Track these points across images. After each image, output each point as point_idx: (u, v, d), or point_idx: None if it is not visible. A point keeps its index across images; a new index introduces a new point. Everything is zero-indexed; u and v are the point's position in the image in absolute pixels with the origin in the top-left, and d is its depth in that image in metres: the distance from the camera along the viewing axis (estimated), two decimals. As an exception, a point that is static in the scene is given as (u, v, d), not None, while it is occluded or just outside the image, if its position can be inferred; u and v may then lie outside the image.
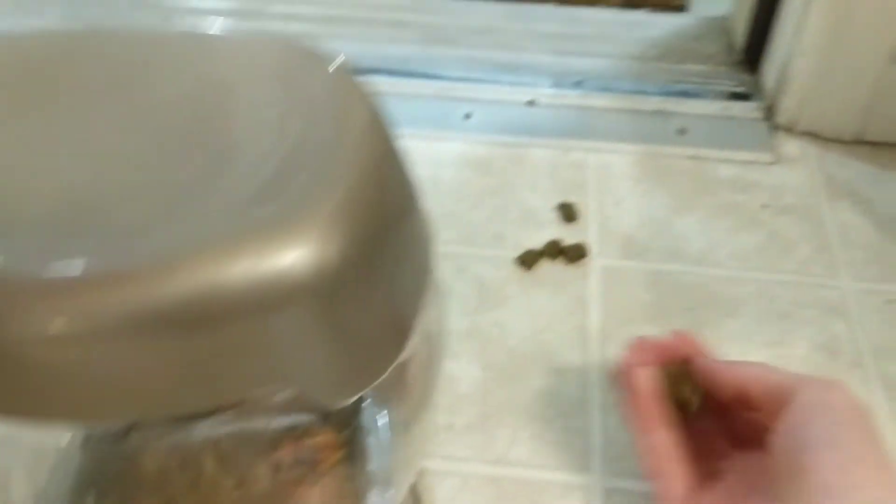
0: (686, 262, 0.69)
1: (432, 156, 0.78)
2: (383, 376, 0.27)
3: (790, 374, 0.40)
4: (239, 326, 0.22)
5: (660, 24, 0.93)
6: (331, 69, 0.34)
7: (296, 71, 0.33)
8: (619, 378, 0.46)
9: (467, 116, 0.82)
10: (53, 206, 0.26)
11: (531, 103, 0.83)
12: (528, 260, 0.68)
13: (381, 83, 0.86)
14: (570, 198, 0.74)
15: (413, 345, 0.31)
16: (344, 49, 0.94)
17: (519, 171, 0.77)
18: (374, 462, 0.36)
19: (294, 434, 0.33)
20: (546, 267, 0.68)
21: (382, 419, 0.40)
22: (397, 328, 0.28)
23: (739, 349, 0.62)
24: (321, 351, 0.24)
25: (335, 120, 0.31)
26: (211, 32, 0.36)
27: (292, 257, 0.23)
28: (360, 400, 0.37)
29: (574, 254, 0.68)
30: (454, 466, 0.55)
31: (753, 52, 0.85)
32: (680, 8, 0.96)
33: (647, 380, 0.44)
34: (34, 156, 0.29)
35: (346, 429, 0.38)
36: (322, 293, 0.23)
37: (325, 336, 0.24)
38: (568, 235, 0.71)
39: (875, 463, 0.35)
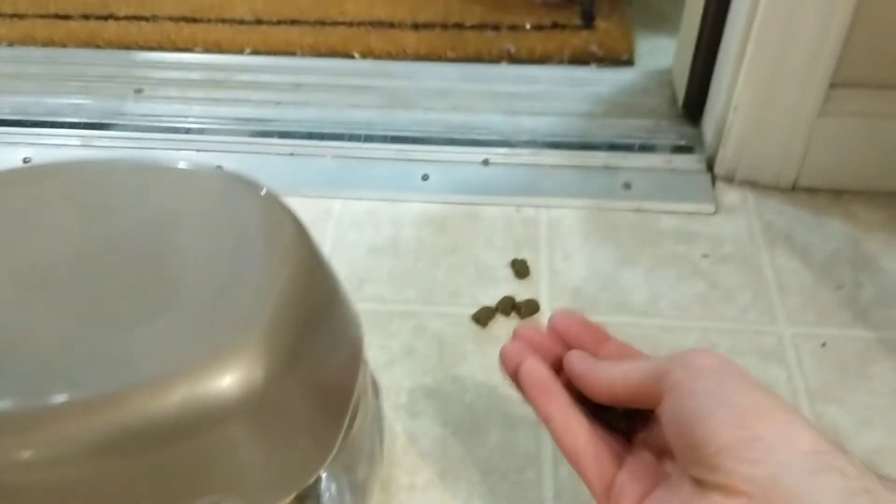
0: (631, 313, 0.73)
1: (393, 217, 0.82)
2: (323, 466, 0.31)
3: (652, 362, 0.38)
4: (179, 447, 0.26)
5: (606, 80, 0.98)
6: (262, 194, 0.38)
7: (230, 199, 0.37)
8: (504, 368, 0.44)
9: (425, 178, 0.86)
10: (17, 343, 0.29)
11: (486, 162, 0.87)
12: (484, 317, 0.72)
13: (344, 148, 0.91)
14: (523, 253, 0.78)
15: (353, 431, 0.34)
16: (307, 115, 0.98)
17: (475, 229, 0.81)
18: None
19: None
20: (501, 322, 0.72)
21: (336, 487, 0.43)
22: (328, 426, 0.32)
23: (682, 396, 0.66)
24: (257, 460, 0.28)
25: (264, 245, 0.35)
26: (155, 163, 0.40)
27: (222, 384, 0.27)
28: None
29: (527, 309, 0.72)
30: (414, 522, 0.58)
31: (694, 105, 0.90)
32: (627, 62, 1.01)
33: (532, 371, 0.42)
34: None
35: (305, 501, 0.42)
36: (251, 411, 0.27)
37: (259, 447, 0.28)
38: (521, 290, 0.75)
39: (768, 407, 0.33)
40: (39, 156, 0.87)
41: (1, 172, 0.38)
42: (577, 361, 0.42)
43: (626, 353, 0.45)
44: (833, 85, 0.79)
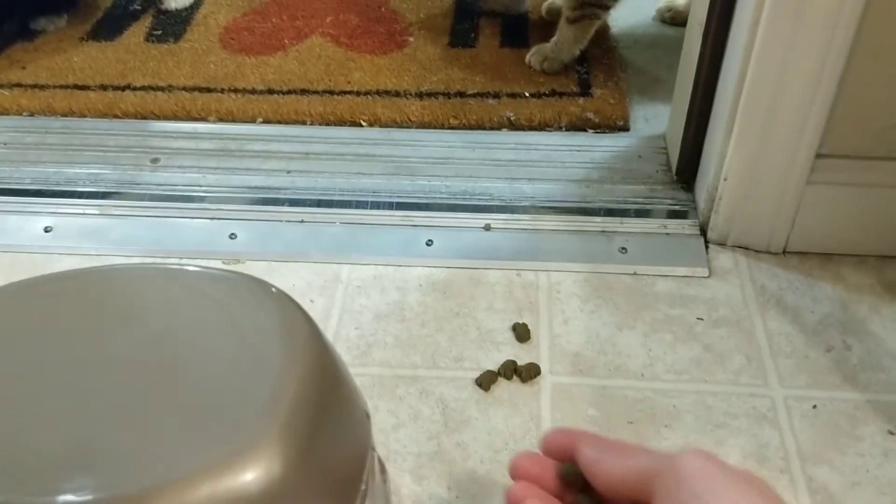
0: (628, 377, 0.76)
1: (399, 282, 0.86)
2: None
3: (647, 462, 0.40)
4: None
5: (603, 146, 1.02)
6: (273, 292, 0.41)
7: (244, 300, 0.41)
8: None
9: (429, 243, 0.89)
10: (49, 443, 0.33)
11: (487, 228, 0.91)
12: (487, 381, 0.75)
13: (352, 215, 0.94)
14: (524, 317, 0.81)
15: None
16: (317, 184, 1.02)
17: (477, 293, 0.84)
18: None
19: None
20: (503, 386, 0.75)
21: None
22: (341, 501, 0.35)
23: (678, 459, 0.69)
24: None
25: (279, 344, 0.38)
26: (174, 267, 0.43)
27: (244, 481, 0.30)
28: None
29: (528, 373, 0.75)
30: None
31: (687, 172, 0.94)
32: (622, 128, 1.06)
33: None
34: (28, 398, 0.36)
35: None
36: (270, 501, 0.30)
37: None
38: (523, 354, 0.78)
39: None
40: (60, 225, 0.91)
41: (22, 281, 0.41)
42: (588, 452, 0.44)
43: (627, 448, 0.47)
44: (819, 155, 0.82)
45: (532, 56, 1.14)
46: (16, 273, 0.86)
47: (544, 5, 1.27)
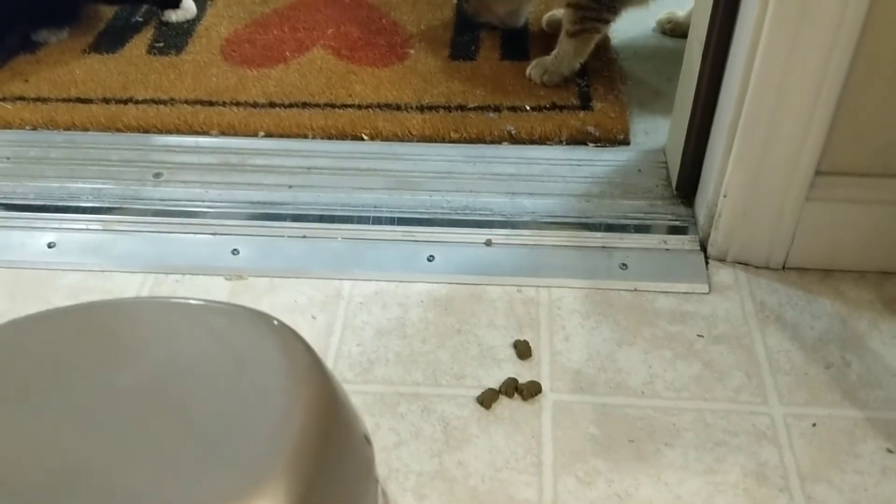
0: (629, 394, 0.76)
1: (400, 298, 0.86)
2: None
3: None
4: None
5: (603, 160, 1.02)
6: (275, 324, 0.42)
7: (246, 334, 0.41)
8: None
9: (431, 259, 0.90)
10: (51, 468, 0.33)
11: (488, 243, 0.91)
12: (488, 399, 0.75)
13: (353, 230, 0.95)
14: (525, 334, 0.82)
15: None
16: (319, 199, 1.02)
17: (478, 310, 0.85)
18: None
19: None
20: (504, 404, 0.76)
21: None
22: None
23: (677, 477, 0.69)
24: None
25: (282, 378, 0.38)
26: (177, 300, 0.44)
27: None
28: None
29: (529, 391, 0.76)
30: None
31: (687, 187, 0.95)
32: (623, 142, 1.06)
33: None
34: (33, 425, 0.37)
35: None
36: None
37: None
38: (524, 372, 0.78)
39: None
40: (63, 240, 0.92)
41: (33, 315, 0.42)
42: None
43: None
44: (819, 172, 0.83)
45: (532, 69, 1.15)
46: (20, 289, 0.87)
47: (545, 17, 1.27)
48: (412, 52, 1.21)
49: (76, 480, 0.34)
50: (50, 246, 0.91)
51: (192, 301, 0.43)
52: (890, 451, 0.72)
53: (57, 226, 0.93)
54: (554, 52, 1.14)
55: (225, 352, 0.40)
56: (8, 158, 1.03)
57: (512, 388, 0.76)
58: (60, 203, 0.96)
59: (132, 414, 0.38)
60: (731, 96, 0.81)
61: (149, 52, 1.22)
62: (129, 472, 0.34)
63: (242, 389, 0.38)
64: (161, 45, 1.23)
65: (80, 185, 0.98)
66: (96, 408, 0.38)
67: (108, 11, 1.30)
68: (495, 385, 0.77)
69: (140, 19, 1.29)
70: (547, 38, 1.21)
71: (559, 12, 1.22)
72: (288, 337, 0.42)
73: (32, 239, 0.92)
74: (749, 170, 0.83)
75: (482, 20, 1.26)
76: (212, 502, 0.32)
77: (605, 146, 1.05)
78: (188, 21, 1.28)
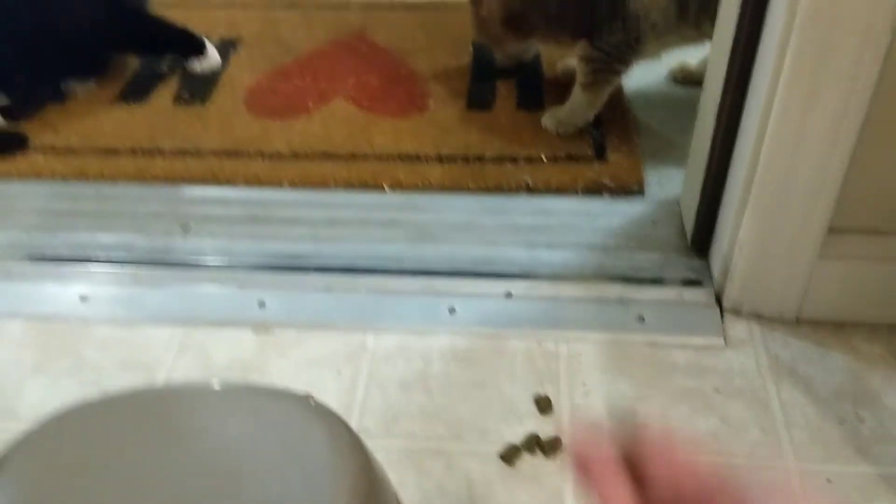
0: (648, 451, 0.78)
1: (422, 351, 0.88)
2: None
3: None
4: None
5: (619, 211, 1.05)
6: (312, 403, 0.44)
7: (292, 420, 0.44)
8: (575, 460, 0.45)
9: (452, 311, 0.92)
10: None
11: (508, 295, 0.94)
12: (510, 456, 0.77)
13: (375, 282, 0.97)
14: (545, 386, 0.84)
15: None
16: (342, 251, 1.04)
17: (499, 363, 0.87)
18: None
19: None
20: (527, 461, 0.78)
21: None
22: None
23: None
24: None
25: (328, 461, 0.41)
26: (223, 386, 0.46)
27: None
28: None
29: (551, 448, 0.78)
30: None
31: (703, 239, 0.97)
32: (638, 192, 1.08)
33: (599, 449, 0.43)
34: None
35: None
36: None
37: None
38: (545, 427, 0.80)
39: None
40: (94, 293, 0.94)
41: (86, 401, 0.44)
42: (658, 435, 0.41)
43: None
44: (832, 230, 0.85)
45: (547, 119, 1.18)
46: (53, 341, 0.89)
47: (559, 65, 1.30)
48: (430, 102, 1.24)
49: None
50: (82, 299, 0.93)
51: (236, 384, 0.45)
52: (904, 508, 0.74)
53: (88, 278, 0.96)
54: (568, 102, 1.17)
55: (272, 436, 0.43)
56: (39, 210, 1.06)
57: (534, 443, 0.78)
58: (91, 255, 0.99)
59: (188, 496, 0.40)
60: (746, 154, 0.84)
61: (175, 102, 1.25)
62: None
63: (290, 472, 0.40)
64: (186, 95, 1.26)
65: (111, 238, 1.01)
66: (154, 491, 0.40)
67: (135, 61, 1.34)
68: (517, 440, 0.79)
69: (165, 70, 1.33)
70: (561, 86, 1.24)
71: (573, 61, 1.25)
72: (330, 419, 0.45)
73: (65, 291, 0.95)
74: (763, 226, 0.86)
75: (497, 63, 1.29)
76: None
77: (620, 197, 1.08)
78: (212, 71, 1.32)
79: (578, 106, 1.16)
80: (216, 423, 0.43)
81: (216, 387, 0.47)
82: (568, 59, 1.29)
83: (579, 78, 1.15)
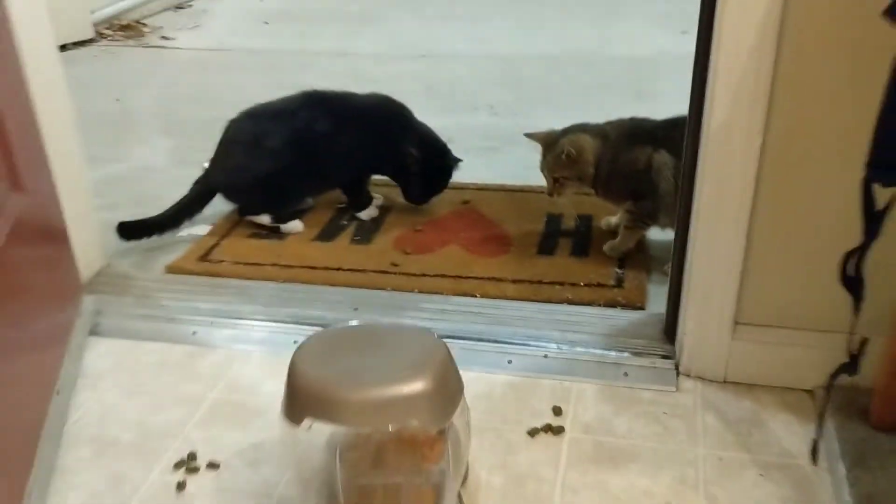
0: (616, 436, 1.33)
1: (490, 381, 1.48)
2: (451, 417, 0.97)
3: None
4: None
5: (625, 318, 1.64)
6: (436, 337, 1.07)
7: (420, 332, 1.07)
8: None
9: (510, 362, 1.52)
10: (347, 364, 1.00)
11: (546, 357, 1.53)
12: (533, 433, 1.35)
13: (466, 344, 1.61)
14: (560, 403, 1.41)
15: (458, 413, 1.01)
16: (449, 327, 1.71)
17: (535, 391, 1.45)
18: (450, 464, 1.03)
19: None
20: (542, 437, 1.34)
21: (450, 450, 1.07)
22: (456, 396, 0.99)
23: (626, 480, 1.25)
24: (432, 408, 0.94)
25: (433, 347, 1.04)
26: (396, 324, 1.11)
27: (416, 388, 0.95)
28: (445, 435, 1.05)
29: (556, 432, 1.34)
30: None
31: (671, 331, 1.54)
32: (640, 307, 1.67)
33: None
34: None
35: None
36: (430, 395, 0.95)
37: (435, 412, 0.95)
38: (556, 422, 1.37)
39: None
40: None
41: (339, 327, 1.09)
42: None
43: None
44: (737, 323, 1.42)
45: (606, 247, 1.85)
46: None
47: (603, 222, 1.97)
48: (512, 248, 1.90)
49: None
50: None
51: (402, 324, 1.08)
52: (761, 475, 1.25)
53: (297, 335, 1.62)
54: (618, 238, 1.84)
55: (414, 335, 1.05)
56: (271, 297, 1.76)
57: (548, 429, 1.35)
58: (302, 320, 1.66)
59: (381, 355, 1.03)
60: (686, 277, 1.44)
61: (351, 242, 1.97)
62: (378, 364, 0.99)
63: (414, 341, 1.03)
64: (358, 238, 1.99)
65: (313, 312, 1.69)
66: (365, 355, 1.03)
67: (326, 215, 2.09)
68: (539, 426, 1.36)
69: (345, 222, 2.06)
70: (602, 239, 1.88)
71: (613, 219, 1.91)
72: (434, 337, 1.07)
73: (287, 339, 1.61)
74: (697, 321, 1.43)
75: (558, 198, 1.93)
76: (404, 374, 0.95)
77: (628, 309, 1.67)
78: (374, 220, 2.04)
79: (622, 241, 1.82)
80: (393, 333, 1.07)
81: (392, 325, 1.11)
82: (610, 218, 1.95)
83: (623, 222, 1.82)
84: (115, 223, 1.94)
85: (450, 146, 2.13)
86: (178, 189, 2.06)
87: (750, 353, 1.43)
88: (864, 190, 0.98)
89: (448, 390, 1.01)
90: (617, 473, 1.27)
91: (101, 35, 3.93)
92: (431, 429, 0.99)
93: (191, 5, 4.62)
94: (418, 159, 2.00)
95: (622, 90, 2.93)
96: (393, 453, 1.11)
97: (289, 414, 1.02)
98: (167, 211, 1.98)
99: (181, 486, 1.27)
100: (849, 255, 1.04)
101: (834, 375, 1.14)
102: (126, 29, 4.05)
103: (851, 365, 1.12)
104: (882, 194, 0.99)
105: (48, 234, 1.55)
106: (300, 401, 1.01)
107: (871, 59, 0.95)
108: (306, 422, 1.00)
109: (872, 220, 0.99)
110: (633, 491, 1.23)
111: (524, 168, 2.09)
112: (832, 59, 1.20)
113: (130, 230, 1.94)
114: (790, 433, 1.34)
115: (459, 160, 2.10)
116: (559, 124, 1.90)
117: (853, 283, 1.04)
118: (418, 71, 3.37)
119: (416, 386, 0.97)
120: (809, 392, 1.42)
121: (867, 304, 1.07)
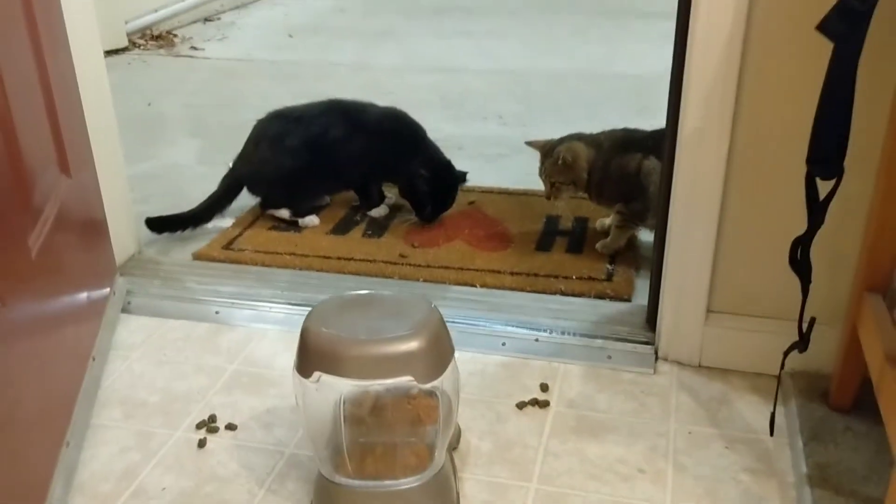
0: (597, 411, 1.47)
1: (484, 361, 1.62)
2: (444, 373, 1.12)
3: None
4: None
5: (613, 308, 1.78)
6: (432, 305, 1.21)
7: (419, 299, 1.21)
8: None
9: (504, 344, 1.66)
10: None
11: (537, 340, 1.67)
12: (521, 406, 1.48)
13: (464, 328, 1.75)
14: (547, 381, 1.55)
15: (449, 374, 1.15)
16: (449, 314, 1.82)
17: (526, 370, 1.59)
18: (440, 425, 1.18)
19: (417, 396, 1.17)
20: (529, 410, 1.48)
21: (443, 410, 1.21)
22: (447, 356, 1.13)
23: (602, 448, 1.38)
24: (425, 365, 1.08)
25: (425, 309, 1.18)
26: (400, 293, 1.25)
27: (411, 346, 1.10)
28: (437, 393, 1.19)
29: (542, 405, 1.48)
30: None
31: (652, 320, 1.68)
32: (627, 300, 1.80)
33: None
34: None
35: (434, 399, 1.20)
36: (424, 350, 1.09)
37: (427, 369, 1.09)
38: (543, 397, 1.50)
39: None
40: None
41: (348, 294, 1.24)
42: None
43: None
44: (710, 311, 1.55)
45: (598, 245, 1.98)
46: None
47: (597, 223, 2.10)
48: (512, 245, 2.05)
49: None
50: (310, 322, 1.75)
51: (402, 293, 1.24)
52: (727, 447, 1.38)
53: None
54: (609, 237, 1.98)
55: (412, 301, 1.20)
56: (287, 283, 1.91)
57: (535, 402, 1.49)
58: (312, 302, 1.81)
59: (380, 314, 1.17)
60: (665, 269, 1.57)
61: (363, 236, 2.12)
62: (379, 325, 1.13)
63: (412, 307, 1.17)
64: (370, 232, 2.14)
65: (326, 297, 1.83)
66: (367, 315, 1.18)
67: (341, 212, 2.24)
68: (527, 399, 1.49)
69: (358, 219, 2.22)
70: (596, 238, 2.02)
71: (606, 220, 2.05)
72: (429, 304, 1.21)
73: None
74: (673, 309, 1.57)
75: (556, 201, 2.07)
76: (401, 334, 1.10)
77: (616, 301, 1.81)
78: (384, 218, 2.20)
79: (613, 239, 1.96)
80: (394, 300, 1.22)
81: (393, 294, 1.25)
82: (603, 219, 2.08)
83: (615, 223, 1.96)
84: (147, 215, 2.11)
85: (460, 152, 2.28)
86: (203, 184, 2.24)
87: (722, 340, 1.56)
88: (808, 183, 1.11)
89: (440, 351, 1.15)
90: (595, 443, 1.40)
91: (134, 44, 4.14)
92: (424, 383, 1.13)
93: (219, 18, 4.83)
94: (427, 178, 2.14)
95: (626, 105, 3.07)
96: (392, 413, 1.25)
97: (300, 368, 1.17)
98: (199, 206, 2.16)
99: (202, 443, 1.42)
100: (797, 242, 1.17)
101: (786, 352, 1.27)
102: (158, 39, 4.26)
103: (802, 343, 1.25)
104: (824, 187, 1.12)
105: (89, 219, 1.72)
106: (310, 356, 1.15)
107: (821, 71, 1.09)
108: (315, 374, 1.14)
109: (816, 210, 1.13)
110: (608, 458, 1.37)
111: (527, 174, 2.24)
112: (789, 72, 1.35)
113: (160, 224, 2.12)
114: (755, 412, 1.46)
115: (465, 174, 2.26)
116: (563, 134, 2.06)
117: (800, 266, 1.18)
118: (433, 83, 3.53)
119: (411, 344, 1.11)
120: (777, 377, 1.55)
121: (826, 296, 1.20)
